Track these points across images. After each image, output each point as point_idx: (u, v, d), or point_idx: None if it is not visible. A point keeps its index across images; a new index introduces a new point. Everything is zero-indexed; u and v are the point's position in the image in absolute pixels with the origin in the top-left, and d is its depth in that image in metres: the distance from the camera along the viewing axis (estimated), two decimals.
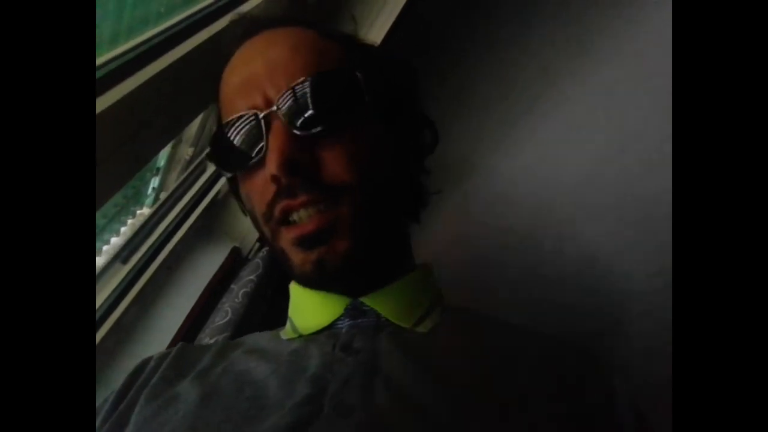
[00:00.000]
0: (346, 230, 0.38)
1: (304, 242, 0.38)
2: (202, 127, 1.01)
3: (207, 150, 0.98)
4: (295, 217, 0.39)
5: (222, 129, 0.40)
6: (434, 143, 0.50)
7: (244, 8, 0.65)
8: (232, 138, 0.40)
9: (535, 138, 1.52)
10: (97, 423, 0.39)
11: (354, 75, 0.40)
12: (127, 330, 0.71)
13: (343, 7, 0.94)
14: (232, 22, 0.48)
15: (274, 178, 0.38)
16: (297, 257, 0.39)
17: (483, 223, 1.65)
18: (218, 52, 0.44)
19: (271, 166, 0.37)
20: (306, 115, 0.38)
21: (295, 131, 0.38)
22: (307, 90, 0.38)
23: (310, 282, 0.41)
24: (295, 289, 0.47)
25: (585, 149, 1.49)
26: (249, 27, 0.44)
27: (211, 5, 0.61)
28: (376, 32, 0.97)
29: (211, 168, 0.94)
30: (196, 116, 0.57)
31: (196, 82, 0.52)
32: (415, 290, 0.45)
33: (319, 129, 0.38)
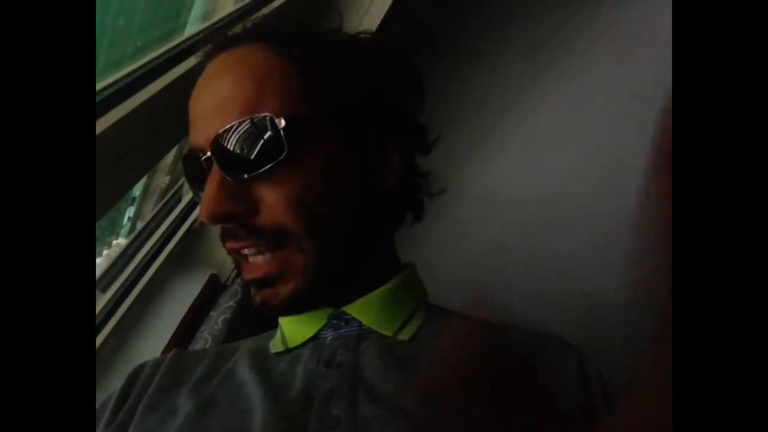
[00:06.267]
0: (295, 275, 0.40)
1: (253, 284, 0.41)
2: (178, 155, 1.02)
3: (183, 178, 0.99)
4: (245, 251, 0.41)
5: (184, 157, 0.43)
6: (426, 148, 0.49)
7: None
8: (187, 170, 0.43)
9: (504, 155, 1.57)
10: (99, 429, 0.40)
11: (272, 122, 0.38)
12: (106, 361, 0.70)
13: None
14: (201, 40, 0.48)
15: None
16: (251, 289, 0.42)
17: (455, 240, 1.68)
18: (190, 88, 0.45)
19: (202, 216, 0.39)
20: (232, 162, 0.39)
21: (228, 176, 0.39)
22: (230, 138, 0.38)
23: (261, 312, 0.43)
24: None
25: (554, 165, 1.54)
26: (210, 47, 0.44)
27: (181, 44, 0.63)
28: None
29: (187, 196, 0.95)
30: (171, 148, 0.59)
31: (171, 117, 0.54)
32: (397, 296, 0.45)
33: (246, 175, 0.38)
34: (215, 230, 0.99)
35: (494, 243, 1.65)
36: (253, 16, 0.60)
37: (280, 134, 0.38)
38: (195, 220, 0.92)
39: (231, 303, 0.84)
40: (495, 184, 1.60)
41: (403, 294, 0.46)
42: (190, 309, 0.82)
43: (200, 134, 0.40)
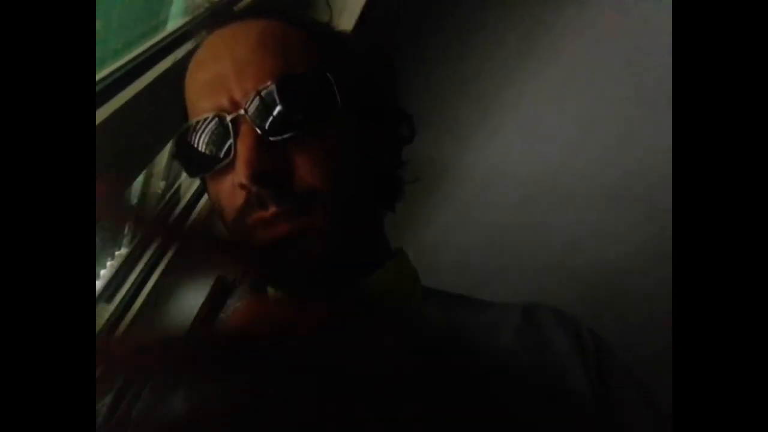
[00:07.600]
0: (317, 238, 0.39)
1: (281, 241, 0.39)
2: (171, 160, 1.01)
3: (179, 182, 0.98)
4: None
5: (187, 129, 0.40)
6: (411, 135, 0.50)
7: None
8: (197, 139, 0.39)
9: (502, 134, 1.56)
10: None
11: (326, 77, 0.39)
12: None
13: None
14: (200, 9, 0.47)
15: (244, 188, 0.37)
16: (272, 256, 0.39)
17: (460, 221, 1.67)
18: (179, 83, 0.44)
19: (241, 177, 0.36)
20: (276, 120, 0.37)
21: (265, 136, 0.37)
22: (277, 94, 0.37)
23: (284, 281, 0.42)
24: None
25: (553, 139, 1.53)
26: (216, 17, 0.43)
27: (167, 37, 0.62)
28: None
29: (185, 199, 0.94)
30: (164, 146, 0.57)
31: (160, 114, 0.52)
32: (393, 280, 0.45)
33: (290, 134, 0.38)
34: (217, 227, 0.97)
35: (499, 221, 1.64)
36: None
37: (333, 90, 0.38)
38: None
39: (239, 304, 0.83)
40: (495, 162, 1.59)
41: (400, 276, 0.46)
42: (198, 312, 0.81)
43: (221, 96, 0.38)
